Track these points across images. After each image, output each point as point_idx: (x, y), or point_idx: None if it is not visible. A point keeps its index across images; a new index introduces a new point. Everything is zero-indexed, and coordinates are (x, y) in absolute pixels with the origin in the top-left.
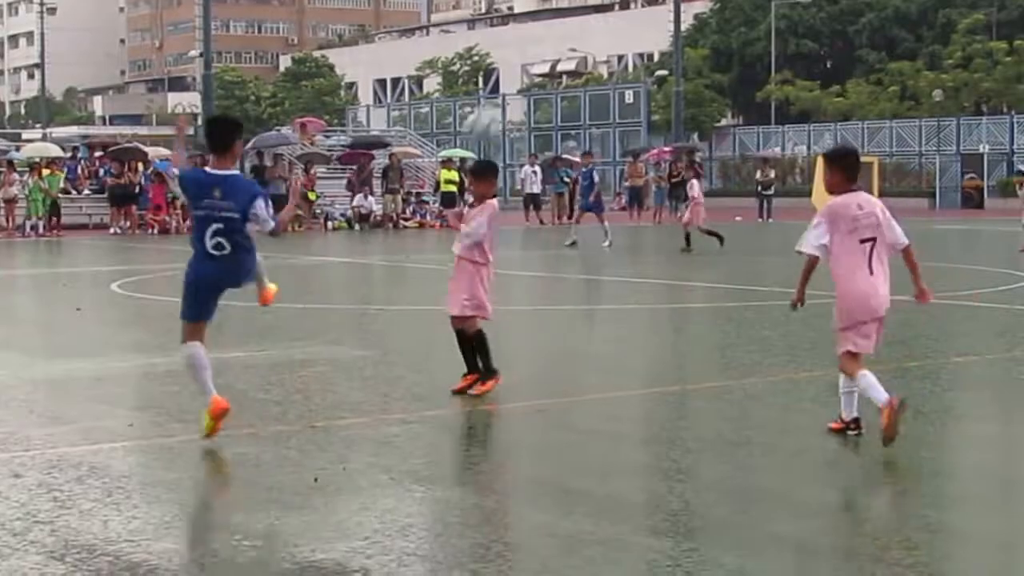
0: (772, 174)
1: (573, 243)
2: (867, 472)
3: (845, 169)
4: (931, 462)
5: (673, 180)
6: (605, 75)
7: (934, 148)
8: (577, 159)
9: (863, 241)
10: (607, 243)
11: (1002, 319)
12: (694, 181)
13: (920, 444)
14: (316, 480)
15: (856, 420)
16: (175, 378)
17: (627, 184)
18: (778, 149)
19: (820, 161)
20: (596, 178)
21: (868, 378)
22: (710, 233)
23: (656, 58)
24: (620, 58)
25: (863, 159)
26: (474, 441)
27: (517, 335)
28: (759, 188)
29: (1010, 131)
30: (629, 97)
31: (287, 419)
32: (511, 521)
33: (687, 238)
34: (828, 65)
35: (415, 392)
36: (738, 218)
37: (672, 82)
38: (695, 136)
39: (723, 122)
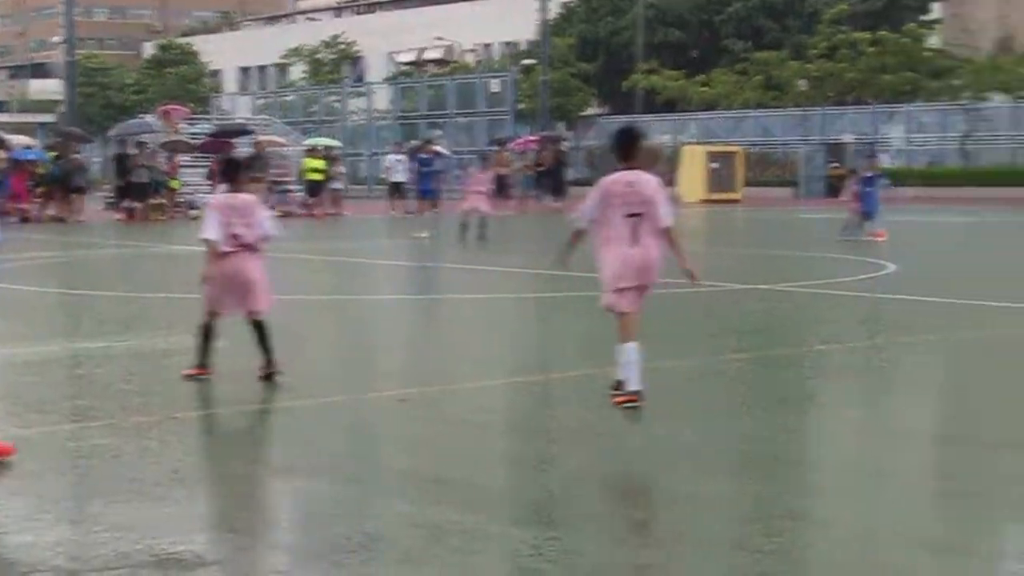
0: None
1: (426, 235)
2: (729, 460)
3: (618, 149)
4: (794, 450)
5: (539, 169)
6: (472, 64)
7: (799, 137)
8: (444, 149)
9: (628, 216)
10: (426, 235)
11: (864, 307)
12: (481, 175)
13: (783, 432)
14: (177, 472)
15: (619, 383)
16: (33, 368)
17: (494, 173)
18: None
19: (686, 151)
20: (439, 167)
21: (630, 355)
22: (464, 225)
23: (523, 47)
24: (487, 46)
25: (729, 149)
26: (338, 431)
27: (380, 324)
28: None
29: (872, 120)
30: (496, 86)
31: (148, 410)
32: (374, 511)
33: (480, 227)
34: (694, 55)
35: (278, 382)
36: None
37: (539, 71)
38: (561, 125)
39: (589, 111)
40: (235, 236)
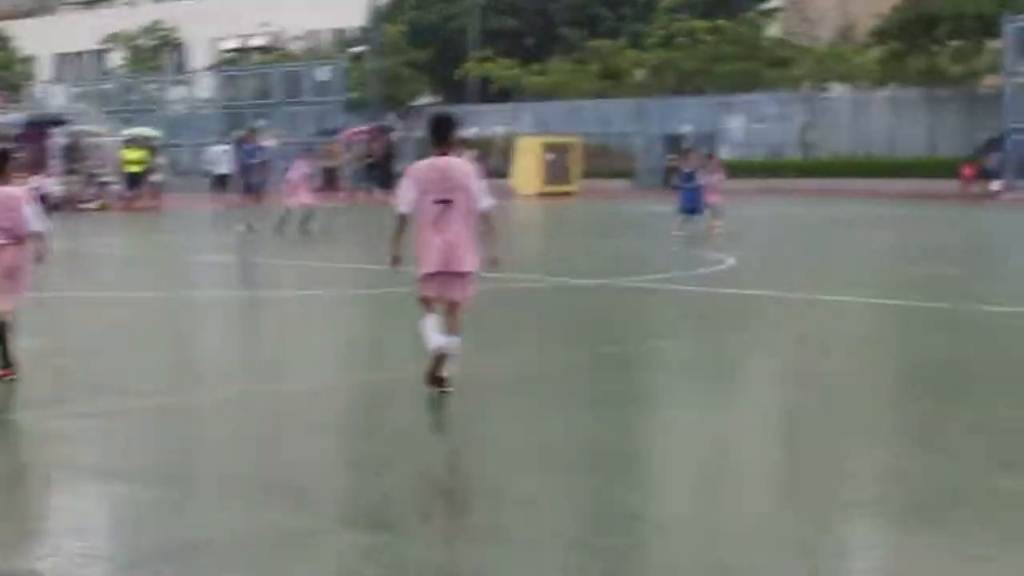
0: (471, 155)
1: (250, 229)
2: (564, 459)
3: (432, 134)
4: (631, 449)
5: (369, 161)
6: (299, 51)
7: (636, 128)
8: (269, 140)
9: (437, 202)
10: (250, 229)
11: (702, 302)
12: (299, 162)
13: (620, 430)
14: None
15: (438, 377)
16: None
17: (322, 165)
18: (477, 129)
19: (522, 142)
20: (264, 158)
21: (428, 324)
22: (283, 219)
23: (352, 34)
24: (315, 33)
25: (566, 140)
26: (160, 434)
27: (202, 323)
28: None
29: (711, 110)
30: (324, 74)
31: None
32: (197, 516)
33: (305, 220)
34: (529, 43)
35: (91, 384)
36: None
37: (369, 59)
38: (392, 115)
39: (421, 101)
40: (2, 230)
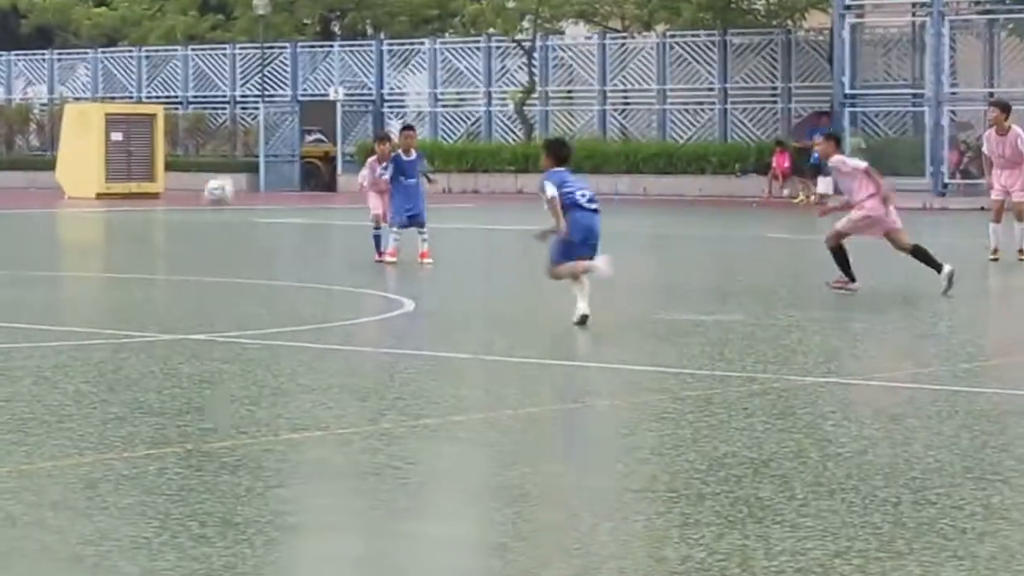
0: None
1: None
2: None
3: None
4: None
5: None
6: None
7: (254, 91)
8: None
9: None
10: None
11: (364, 369)
12: None
13: (233, 572)
14: None
15: None
16: None
17: None
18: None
19: (72, 112)
20: None
21: None
22: None
23: None
24: None
25: (144, 109)
26: None
27: None
28: None
29: (378, 64)
30: None
31: None
32: None
33: None
34: None
35: None
36: None
37: None
38: None
39: None
40: None
